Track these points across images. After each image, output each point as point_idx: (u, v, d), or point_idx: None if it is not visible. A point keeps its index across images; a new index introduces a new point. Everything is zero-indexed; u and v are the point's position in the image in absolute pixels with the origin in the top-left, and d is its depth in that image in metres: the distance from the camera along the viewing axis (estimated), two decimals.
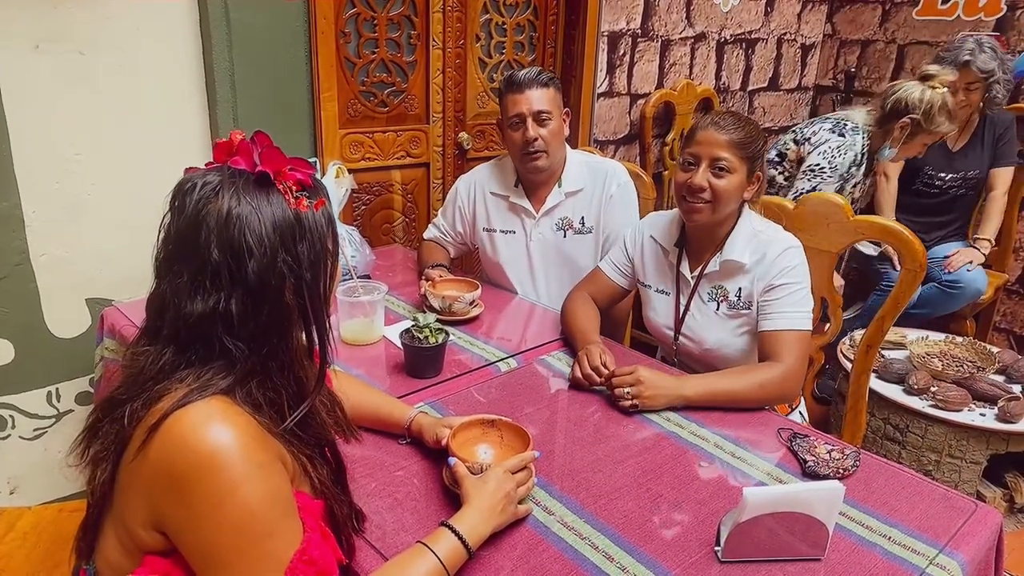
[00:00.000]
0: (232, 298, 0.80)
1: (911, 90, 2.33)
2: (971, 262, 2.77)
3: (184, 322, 0.80)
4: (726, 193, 1.52)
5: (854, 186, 2.48)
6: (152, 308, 0.85)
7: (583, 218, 2.06)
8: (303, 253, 0.84)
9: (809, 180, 2.41)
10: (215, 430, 0.77)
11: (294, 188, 0.85)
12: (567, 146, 2.07)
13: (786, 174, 2.64)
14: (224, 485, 0.75)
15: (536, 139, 1.92)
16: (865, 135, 2.43)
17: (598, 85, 2.86)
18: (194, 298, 0.80)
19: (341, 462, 0.97)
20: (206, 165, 0.87)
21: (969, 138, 2.89)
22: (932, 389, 2.20)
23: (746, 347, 1.65)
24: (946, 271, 2.77)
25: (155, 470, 0.77)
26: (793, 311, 1.53)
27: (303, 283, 0.84)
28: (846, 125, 2.43)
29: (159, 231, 0.85)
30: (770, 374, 1.47)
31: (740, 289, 1.61)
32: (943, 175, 2.91)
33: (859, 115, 2.47)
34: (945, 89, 2.35)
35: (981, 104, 2.78)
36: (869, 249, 2.85)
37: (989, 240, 2.88)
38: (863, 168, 2.46)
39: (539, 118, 1.93)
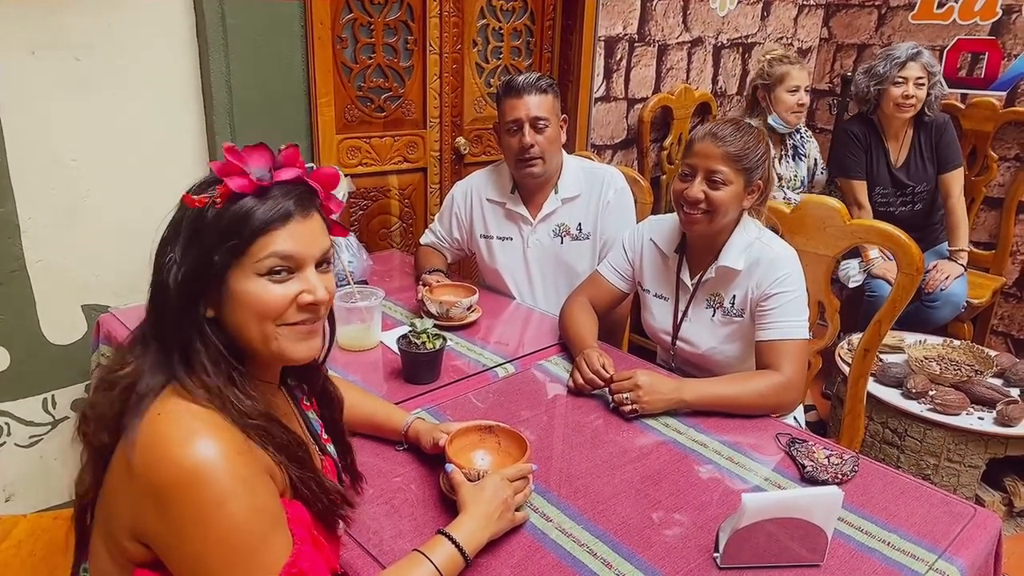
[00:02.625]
0: (152, 297, 0.86)
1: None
2: (947, 277, 2.72)
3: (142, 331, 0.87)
4: (722, 205, 1.52)
5: (779, 161, 2.92)
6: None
7: (580, 224, 2.06)
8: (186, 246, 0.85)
9: None
10: (199, 445, 0.76)
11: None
12: (563, 152, 2.07)
13: None
14: (210, 500, 0.75)
15: (532, 145, 1.92)
16: (755, 121, 2.78)
17: (595, 90, 2.86)
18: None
19: (290, 437, 0.89)
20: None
21: (908, 150, 2.86)
22: (930, 393, 2.20)
23: (740, 353, 1.65)
24: (925, 290, 2.72)
25: (141, 485, 0.76)
26: (790, 321, 1.53)
27: (179, 268, 0.84)
28: None
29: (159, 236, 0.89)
30: (770, 383, 1.47)
31: (734, 296, 1.61)
32: (894, 192, 2.88)
33: (739, 114, 3.02)
34: (777, 51, 2.87)
35: (922, 107, 2.77)
36: (855, 281, 2.83)
37: (964, 249, 2.82)
38: (774, 147, 2.88)
39: (536, 124, 1.92)
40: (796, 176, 2.93)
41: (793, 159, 2.93)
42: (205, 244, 0.82)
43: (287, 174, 0.85)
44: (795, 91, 2.79)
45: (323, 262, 0.89)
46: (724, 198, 1.52)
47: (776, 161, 2.87)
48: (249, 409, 0.83)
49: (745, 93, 2.97)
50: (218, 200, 0.82)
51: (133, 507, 0.78)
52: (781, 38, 3.54)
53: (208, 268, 0.82)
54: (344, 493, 0.97)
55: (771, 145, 2.80)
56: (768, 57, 2.86)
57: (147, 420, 0.78)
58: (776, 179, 2.85)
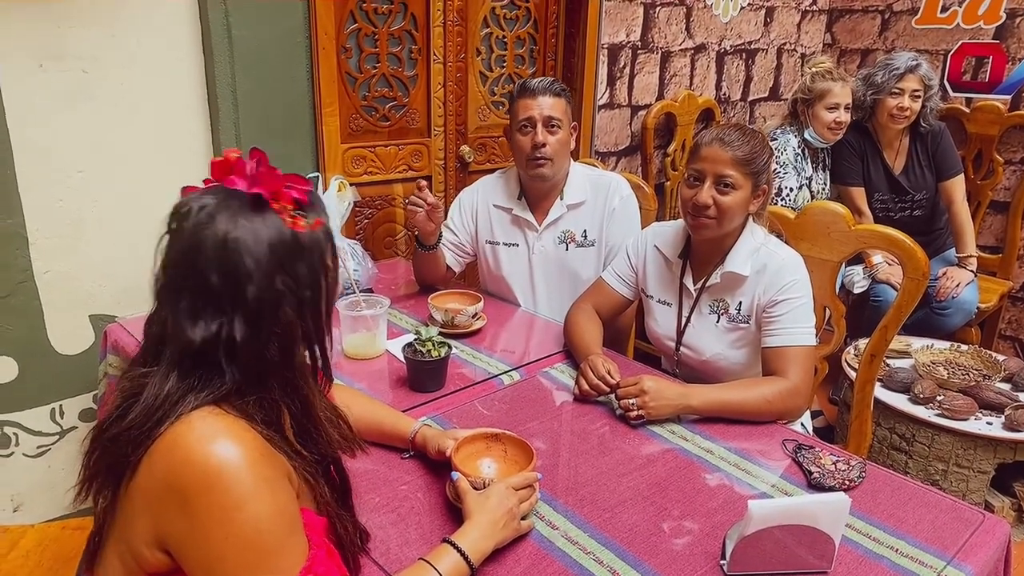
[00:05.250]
0: (234, 322, 0.80)
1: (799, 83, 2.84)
2: (958, 284, 2.71)
3: (187, 348, 0.80)
4: (731, 210, 1.52)
5: (810, 179, 2.84)
6: (153, 332, 0.85)
7: (585, 231, 2.07)
8: (302, 273, 0.84)
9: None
10: (222, 446, 0.76)
11: (290, 207, 0.84)
12: (571, 159, 2.08)
13: None
14: (232, 500, 0.75)
15: (544, 145, 1.93)
16: (793, 133, 2.81)
17: (599, 97, 2.87)
18: (196, 324, 0.80)
19: (346, 480, 0.96)
20: (204, 183, 0.87)
21: (905, 159, 2.86)
22: (938, 398, 2.19)
23: (745, 360, 1.65)
24: (936, 298, 2.71)
25: (162, 487, 0.76)
26: (797, 327, 1.52)
27: (303, 303, 0.84)
28: (773, 135, 2.83)
29: (157, 254, 0.84)
30: (777, 389, 1.47)
31: (740, 303, 1.61)
32: (892, 198, 2.88)
33: (779, 123, 2.94)
34: (824, 64, 2.77)
35: (916, 118, 2.77)
36: (860, 286, 2.82)
37: (973, 255, 2.81)
38: (809, 160, 2.84)
39: (549, 124, 1.94)
40: (824, 190, 2.91)
41: (823, 171, 2.91)
42: (315, 265, 0.85)
43: (307, 184, 0.88)
44: (834, 109, 2.70)
45: None
46: (733, 203, 1.52)
47: (808, 179, 2.83)
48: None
49: (789, 107, 2.90)
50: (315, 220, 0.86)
51: (154, 511, 0.78)
52: (785, 44, 3.55)
53: (325, 288, 0.87)
54: (364, 530, 0.99)
55: (807, 160, 2.81)
56: (812, 71, 2.76)
57: (171, 427, 0.78)
58: (809, 196, 2.82)
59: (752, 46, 3.41)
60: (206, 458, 0.75)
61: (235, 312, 0.80)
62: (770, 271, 1.56)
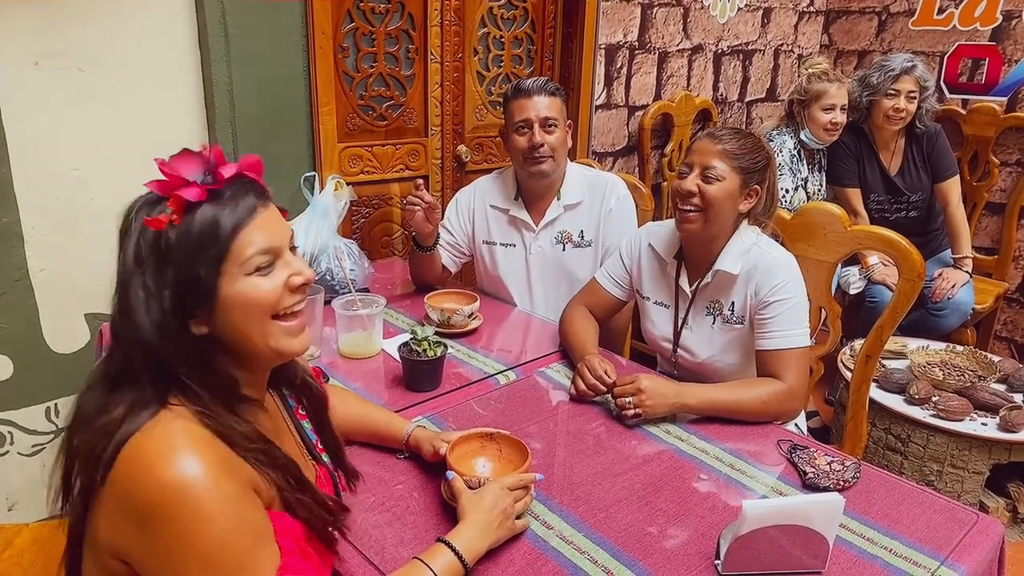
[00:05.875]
0: (125, 338, 0.81)
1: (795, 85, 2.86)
2: (954, 285, 2.72)
3: (110, 355, 0.83)
4: (715, 200, 1.52)
5: (806, 180, 2.84)
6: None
7: (582, 231, 2.07)
8: (167, 274, 0.81)
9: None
10: (181, 461, 0.74)
11: (175, 207, 0.82)
12: (567, 159, 2.08)
13: None
14: (193, 518, 0.73)
15: (542, 144, 1.94)
16: (789, 134, 2.82)
17: (596, 97, 2.87)
18: (117, 331, 0.82)
19: (291, 462, 0.90)
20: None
21: (901, 160, 2.87)
22: (933, 399, 2.19)
23: (740, 360, 1.65)
24: (932, 299, 2.72)
25: (122, 501, 0.75)
26: (790, 329, 1.52)
27: (162, 305, 0.80)
28: (769, 137, 2.83)
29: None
30: (773, 390, 1.47)
31: (733, 303, 1.61)
32: (888, 199, 2.89)
33: (775, 124, 2.94)
34: (821, 65, 2.78)
35: (912, 119, 2.78)
36: (856, 287, 2.82)
37: (968, 256, 2.82)
38: (805, 161, 2.84)
39: (546, 124, 1.94)
40: (820, 191, 2.92)
41: (819, 172, 2.92)
42: (182, 262, 0.80)
43: (229, 171, 0.84)
44: (830, 110, 2.71)
45: (293, 246, 0.90)
46: (718, 194, 1.52)
47: (804, 180, 2.83)
48: (250, 432, 0.84)
49: (786, 108, 2.91)
50: (175, 217, 0.81)
51: (114, 524, 0.76)
52: (782, 45, 3.55)
53: (196, 284, 0.80)
54: (341, 505, 0.96)
55: (803, 161, 2.80)
56: (808, 72, 2.76)
57: (131, 437, 0.76)
58: (805, 197, 2.82)
59: (749, 47, 3.41)
60: (164, 475, 0.73)
61: (118, 314, 0.82)
62: (760, 270, 1.56)
